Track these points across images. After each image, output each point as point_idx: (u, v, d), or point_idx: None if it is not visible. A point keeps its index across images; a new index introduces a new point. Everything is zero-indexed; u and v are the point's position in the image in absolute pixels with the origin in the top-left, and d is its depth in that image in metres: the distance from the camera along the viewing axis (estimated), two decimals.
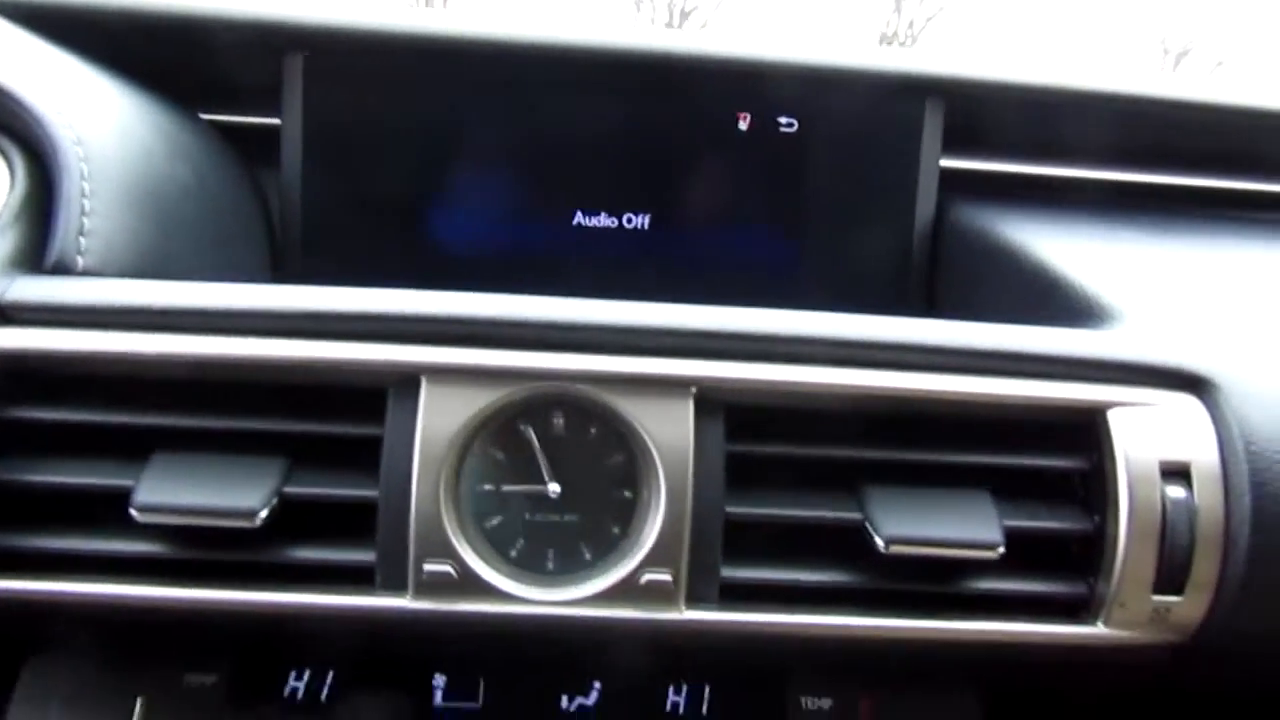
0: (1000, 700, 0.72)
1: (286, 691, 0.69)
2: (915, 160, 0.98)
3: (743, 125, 0.98)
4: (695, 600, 0.61)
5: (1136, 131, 0.96)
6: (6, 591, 0.61)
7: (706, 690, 0.71)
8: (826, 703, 0.71)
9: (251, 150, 0.95)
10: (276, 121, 0.94)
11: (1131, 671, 0.66)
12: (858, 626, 0.62)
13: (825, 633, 0.62)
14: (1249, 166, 1.01)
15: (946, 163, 0.99)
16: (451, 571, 0.60)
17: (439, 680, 0.70)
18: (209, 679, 0.69)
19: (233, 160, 0.93)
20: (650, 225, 0.99)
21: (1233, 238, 0.89)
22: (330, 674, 0.70)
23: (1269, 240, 0.89)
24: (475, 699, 0.70)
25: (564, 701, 0.70)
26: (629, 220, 0.98)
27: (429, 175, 0.94)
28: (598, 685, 0.71)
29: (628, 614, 0.61)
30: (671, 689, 0.71)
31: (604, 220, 0.99)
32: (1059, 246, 0.82)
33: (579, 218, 0.98)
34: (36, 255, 0.66)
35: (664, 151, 0.97)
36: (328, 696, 0.69)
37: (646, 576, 0.60)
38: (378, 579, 0.61)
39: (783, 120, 0.98)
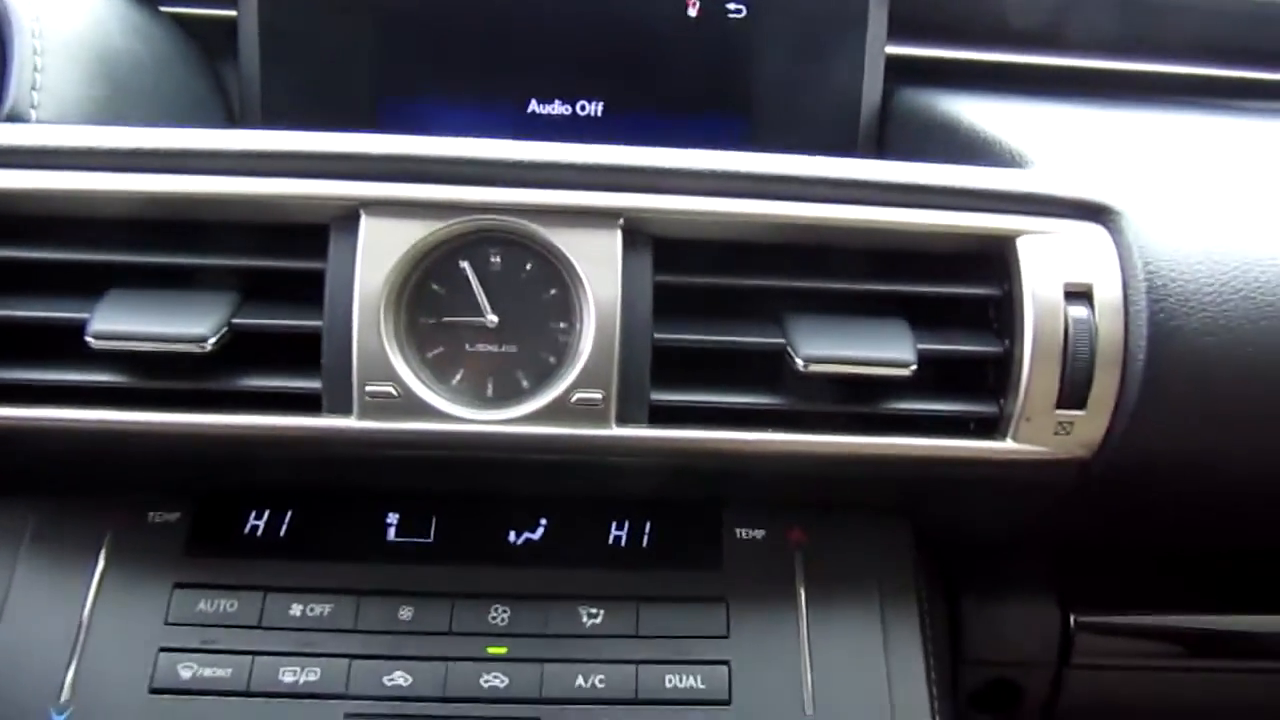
0: (929, 535, 0.76)
1: (246, 529, 0.73)
2: (861, 46, 1.01)
3: (692, 11, 1.00)
4: (625, 421, 0.65)
5: (1067, 14, 0.99)
6: None
7: (647, 524, 0.75)
8: (760, 533, 0.75)
9: (210, 43, 0.98)
10: (233, 13, 0.96)
11: (1043, 490, 0.71)
12: (780, 442, 0.66)
13: (749, 449, 0.66)
14: (1176, 50, 1.04)
15: (892, 50, 1.02)
16: (393, 392, 0.63)
17: (392, 518, 0.74)
18: (172, 516, 0.72)
19: (192, 50, 0.96)
20: (604, 112, 1.01)
21: (1156, 107, 0.92)
22: (289, 513, 0.74)
23: (1189, 110, 0.93)
24: (427, 535, 0.74)
25: (511, 536, 0.74)
26: (582, 108, 1.01)
27: (384, 64, 0.97)
28: (544, 521, 0.75)
29: (561, 431, 0.65)
30: (614, 524, 0.75)
31: (558, 108, 1.01)
32: (993, 117, 0.85)
33: (533, 105, 1.01)
34: None
35: (616, 39, 0.99)
36: (286, 534, 0.73)
37: (578, 395, 0.64)
38: (325, 402, 0.64)
39: (731, 6, 1.01)
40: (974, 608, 0.83)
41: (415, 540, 0.74)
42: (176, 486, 0.73)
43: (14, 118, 0.67)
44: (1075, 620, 0.85)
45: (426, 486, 0.74)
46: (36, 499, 0.72)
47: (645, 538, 0.75)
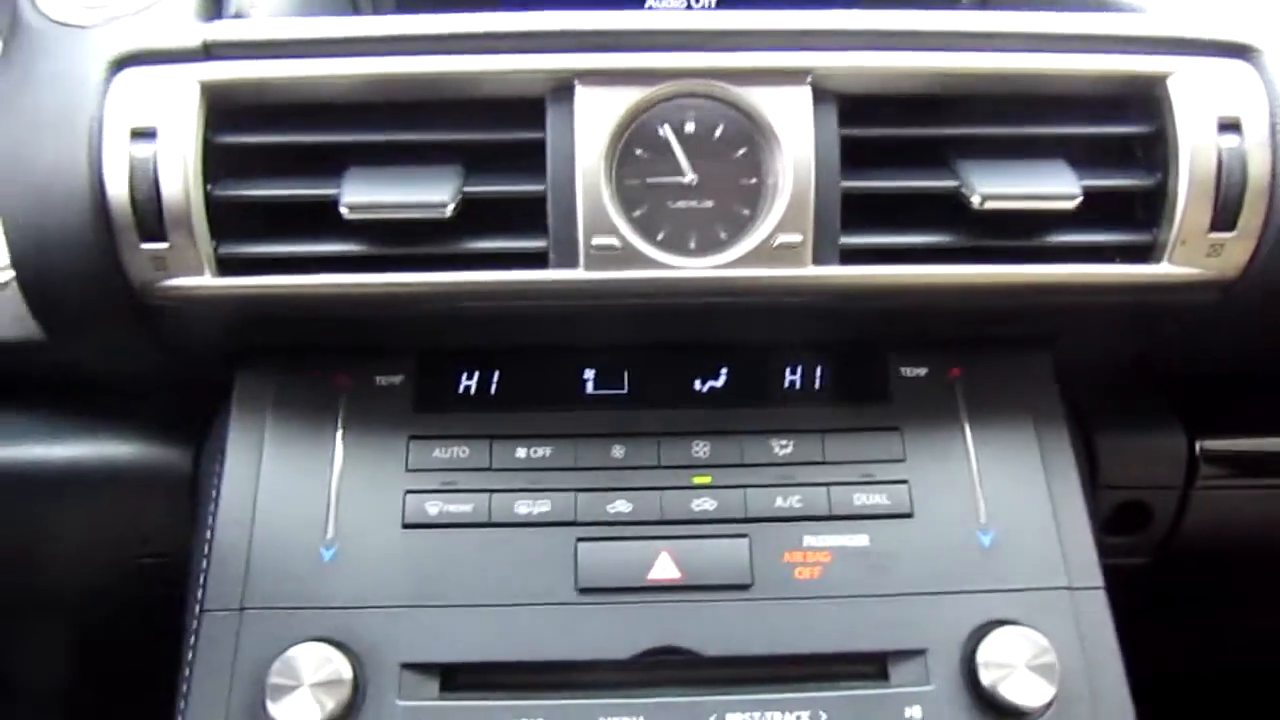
0: (1068, 369, 0.84)
1: (462, 389, 0.81)
2: None
3: None
4: (820, 261, 0.72)
5: None
6: (233, 289, 0.72)
7: (818, 368, 0.82)
8: (922, 371, 0.82)
9: None
10: None
11: (1186, 313, 0.77)
12: (957, 275, 0.73)
13: (929, 282, 0.73)
14: None
15: None
16: (615, 244, 0.71)
17: (588, 373, 0.82)
18: (396, 379, 0.80)
19: None
20: (718, 4, 1.06)
21: None
22: (496, 373, 0.81)
23: None
24: (621, 386, 0.82)
25: (697, 384, 0.82)
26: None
27: None
28: (724, 370, 0.82)
29: (764, 273, 0.72)
30: (788, 369, 0.82)
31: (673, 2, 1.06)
32: None
33: None
34: (217, 8, 0.75)
35: None
36: (497, 391, 0.81)
37: (780, 239, 0.71)
38: (552, 258, 0.72)
39: None
40: (1105, 437, 0.91)
41: (611, 392, 0.81)
42: (399, 350, 0.80)
43: (239, 15, 0.74)
44: (1200, 446, 0.92)
45: (621, 340, 0.81)
46: (274, 371, 0.80)
47: (818, 380, 0.82)
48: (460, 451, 0.78)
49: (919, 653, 0.73)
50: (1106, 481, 0.92)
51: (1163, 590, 1.01)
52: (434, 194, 0.70)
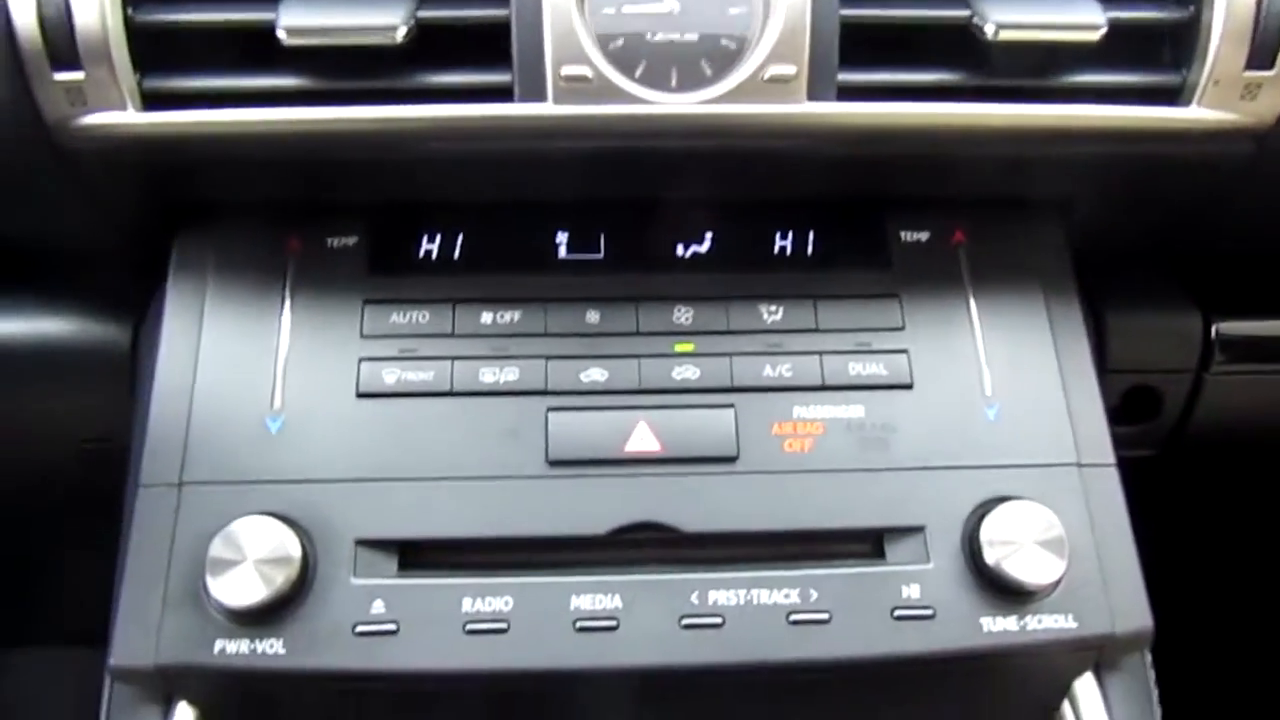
0: (1079, 241, 0.77)
1: (422, 251, 0.74)
2: None
3: None
4: (815, 97, 0.65)
5: None
6: (160, 126, 0.64)
7: (810, 232, 0.76)
8: (924, 235, 0.76)
9: None
10: None
11: (1212, 169, 0.71)
12: (966, 114, 0.66)
13: (935, 122, 0.66)
14: None
15: None
16: (587, 74, 0.63)
17: (561, 236, 0.75)
18: (350, 240, 0.73)
19: None
20: None
21: None
22: (460, 234, 0.74)
23: None
24: (597, 250, 0.75)
25: (679, 249, 0.75)
26: None
27: None
28: (709, 233, 0.75)
29: (753, 109, 0.65)
30: (778, 233, 0.76)
31: None
32: None
33: None
34: None
35: None
36: (461, 253, 0.74)
37: (771, 70, 0.64)
38: (517, 90, 0.64)
39: None
40: (1116, 317, 0.85)
41: (586, 256, 0.75)
42: (352, 209, 0.73)
43: None
44: (1216, 328, 0.86)
45: (595, 194, 0.74)
46: (216, 233, 0.72)
47: (810, 245, 0.76)
48: (420, 316, 0.71)
49: (917, 530, 0.67)
50: (1115, 365, 0.86)
51: (1169, 486, 0.96)
52: (384, 17, 0.62)
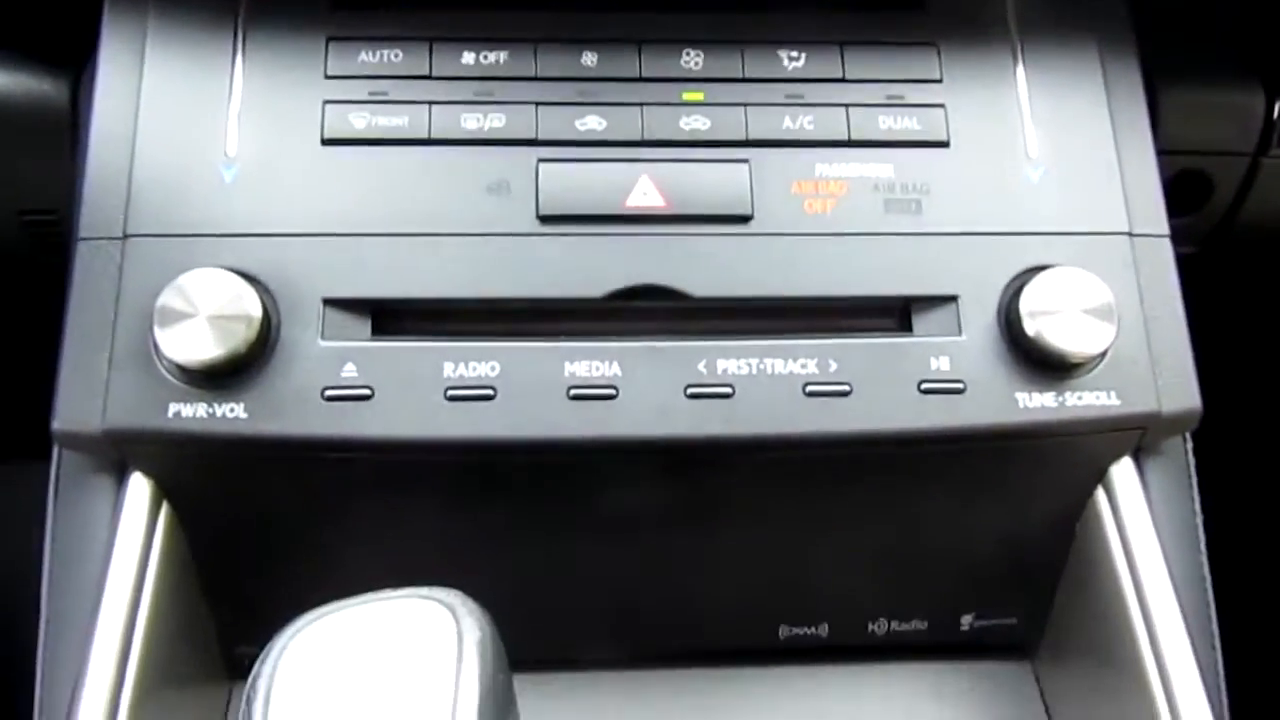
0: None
1: None
2: None
3: None
4: None
5: None
6: None
7: None
8: None
9: None
10: None
11: None
12: None
13: None
14: None
15: None
16: None
17: None
18: None
19: None
20: None
21: None
22: None
23: None
24: None
25: None
26: None
27: None
28: None
29: None
30: None
31: None
32: None
33: None
34: None
35: None
36: None
37: None
38: None
39: None
40: (1171, 90, 0.76)
41: None
42: None
43: None
44: (1279, 107, 0.78)
45: None
46: None
47: None
48: (392, 55, 0.62)
49: (949, 299, 0.61)
50: (1165, 145, 0.78)
51: (1210, 286, 0.90)
52: None
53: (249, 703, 0.39)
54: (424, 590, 0.43)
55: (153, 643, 0.56)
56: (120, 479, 0.58)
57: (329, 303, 0.58)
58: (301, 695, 0.39)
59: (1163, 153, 0.78)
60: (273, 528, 0.61)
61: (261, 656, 0.40)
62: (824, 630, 0.68)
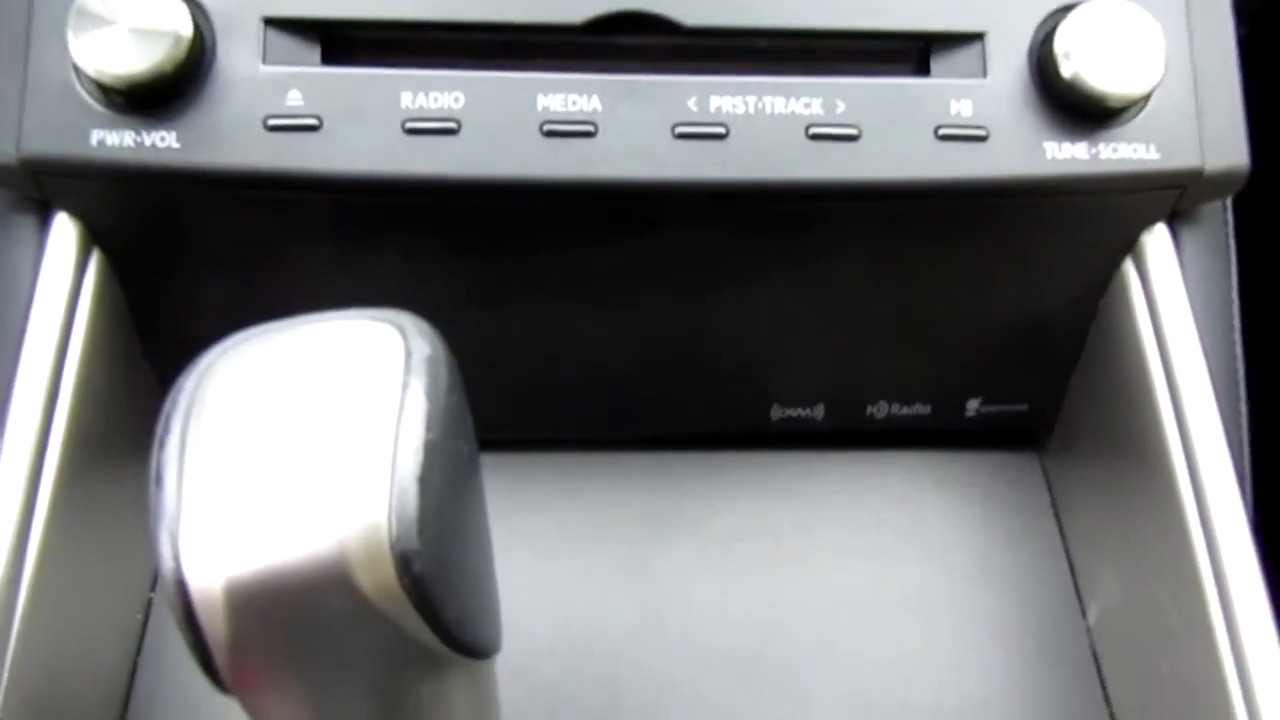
0: None
1: None
2: None
3: None
4: None
5: None
6: None
7: None
8: None
9: None
10: None
11: None
12: None
13: None
14: None
15: None
16: None
17: None
18: None
19: None
20: None
21: None
22: None
23: None
24: None
25: None
26: None
27: None
28: None
29: None
30: None
31: None
32: None
33: None
34: None
35: None
36: None
37: None
38: None
39: None
40: None
41: None
42: None
43: None
44: None
45: None
46: None
47: None
48: None
49: (974, 37, 0.53)
50: None
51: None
52: None
53: (166, 417, 0.34)
54: (370, 310, 0.38)
55: (82, 406, 0.51)
56: (43, 219, 0.52)
57: (270, 22, 0.51)
58: (227, 407, 0.34)
59: None
60: (216, 275, 0.55)
61: (185, 371, 0.35)
62: (820, 412, 0.64)
